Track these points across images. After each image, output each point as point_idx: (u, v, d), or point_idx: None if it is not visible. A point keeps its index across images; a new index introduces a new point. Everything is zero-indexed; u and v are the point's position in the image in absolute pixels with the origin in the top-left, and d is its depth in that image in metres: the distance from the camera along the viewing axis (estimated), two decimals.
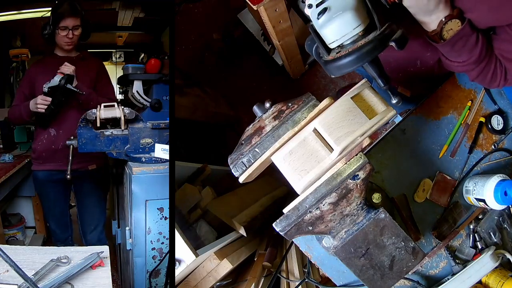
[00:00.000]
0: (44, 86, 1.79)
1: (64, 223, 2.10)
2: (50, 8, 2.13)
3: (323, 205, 0.84)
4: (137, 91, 2.60)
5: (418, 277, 1.18)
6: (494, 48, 0.98)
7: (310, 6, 0.83)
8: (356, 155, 0.84)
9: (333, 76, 0.84)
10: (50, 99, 1.78)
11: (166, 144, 1.61)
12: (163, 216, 1.53)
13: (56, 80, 1.76)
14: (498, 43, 0.97)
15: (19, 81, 3.13)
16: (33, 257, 1.00)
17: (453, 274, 1.14)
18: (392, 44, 0.77)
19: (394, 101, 0.85)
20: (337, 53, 0.82)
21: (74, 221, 2.15)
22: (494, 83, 1.03)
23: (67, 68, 1.81)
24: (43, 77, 1.89)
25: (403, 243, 0.89)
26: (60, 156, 1.86)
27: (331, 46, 0.83)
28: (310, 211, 0.84)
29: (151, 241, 1.53)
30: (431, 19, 0.90)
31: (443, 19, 0.89)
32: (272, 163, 0.88)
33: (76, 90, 1.76)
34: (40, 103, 1.80)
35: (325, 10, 0.80)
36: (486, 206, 1.14)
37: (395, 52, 1.20)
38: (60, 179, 1.92)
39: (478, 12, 0.89)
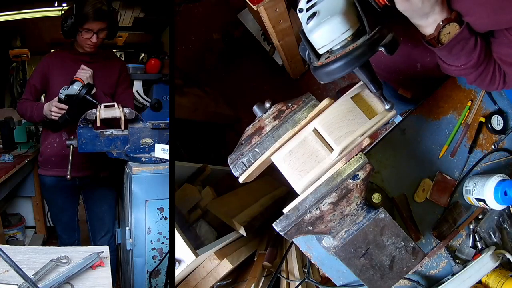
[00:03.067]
0: (60, 91, 1.67)
1: (71, 228, 2.02)
2: (52, 8, 2.09)
3: (323, 205, 0.84)
4: (137, 91, 2.60)
5: (418, 277, 1.18)
6: (492, 52, 0.97)
7: (300, 10, 0.82)
8: (356, 155, 0.84)
9: (322, 83, 0.82)
10: (66, 107, 1.67)
11: (166, 144, 1.61)
12: (163, 216, 1.53)
13: (75, 88, 1.65)
14: (496, 47, 0.96)
15: (19, 81, 3.13)
16: (33, 257, 1.00)
17: (453, 274, 1.14)
18: (382, 49, 0.75)
19: (387, 107, 0.83)
20: (326, 58, 0.80)
21: (82, 222, 2.13)
22: (493, 86, 1.02)
23: (84, 73, 1.70)
24: (58, 72, 1.78)
25: (403, 243, 0.89)
26: (71, 161, 1.68)
27: (320, 51, 0.81)
28: (310, 211, 0.84)
29: (151, 241, 1.53)
30: (428, 22, 0.88)
31: (441, 23, 0.87)
32: (272, 163, 0.88)
33: (95, 102, 1.62)
34: (55, 111, 1.68)
35: (314, 14, 0.78)
36: (486, 206, 1.14)
37: (395, 57, 1.20)
38: (69, 185, 1.85)
39: (475, 16, 0.88)
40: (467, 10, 0.88)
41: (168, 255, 1.50)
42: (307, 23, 0.79)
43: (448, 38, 0.90)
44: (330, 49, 0.79)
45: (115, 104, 1.64)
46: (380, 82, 0.82)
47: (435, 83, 1.27)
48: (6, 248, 0.89)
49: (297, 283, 1.30)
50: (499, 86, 1.02)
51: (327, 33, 0.77)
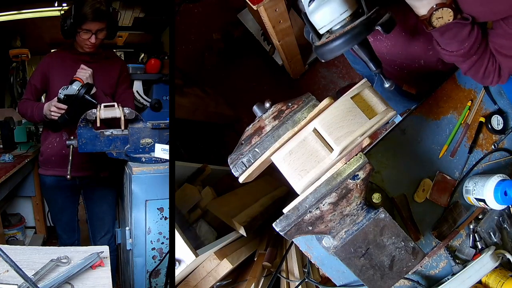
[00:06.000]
0: (60, 91, 1.67)
1: (71, 228, 2.02)
2: (52, 8, 2.08)
3: (323, 205, 0.84)
4: (137, 91, 2.60)
5: (418, 277, 1.18)
6: (489, 42, 0.97)
7: None
8: (356, 155, 0.84)
9: (323, 61, 0.89)
10: (65, 107, 1.67)
11: (166, 144, 1.61)
12: (163, 216, 1.53)
13: (74, 88, 1.64)
14: (493, 37, 0.96)
15: (19, 81, 3.13)
16: (33, 257, 1.00)
17: (453, 274, 1.14)
18: (378, 28, 0.80)
19: (386, 85, 0.87)
20: (326, 38, 0.85)
21: (82, 222, 2.13)
22: (487, 80, 1.02)
23: (84, 72, 1.70)
24: (58, 72, 1.77)
25: (403, 243, 0.89)
26: (71, 161, 1.66)
27: (321, 31, 0.86)
28: (310, 211, 0.84)
29: (151, 241, 1.53)
30: (422, 4, 0.90)
31: (435, 6, 0.88)
32: (272, 163, 0.88)
33: (94, 102, 1.62)
34: (54, 110, 1.68)
35: None
36: (486, 206, 1.14)
37: (398, 52, 1.20)
38: (69, 185, 1.85)
39: (469, 4, 0.88)
40: None
41: (168, 255, 1.50)
42: (309, 6, 0.84)
43: (440, 23, 0.90)
44: (330, 29, 0.84)
45: (115, 104, 1.63)
46: (379, 61, 0.87)
47: (439, 78, 1.27)
48: (6, 248, 0.89)
49: (297, 283, 1.30)
50: (494, 79, 1.02)
51: (326, 14, 0.82)
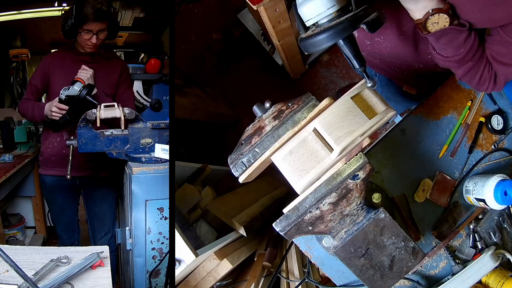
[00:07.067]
0: (61, 92, 1.67)
1: (71, 228, 2.02)
2: (52, 8, 2.07)
3: (323, 205, 0.84)
4: (137, 91, 2.60)
5: (418, 277, 1.18)
6: (486, 48, 0.97)
7: None
8: (356, 155, 0.84)
9: (307, 53, 0.88)
10: (66, 107, 1.68)
11: (166, 144, 1.61)
12: (163, 216, 1.53)
13: (76, 89, 1.65)
14: (490, 44, 0.96)
15: (19, 81, 3.13)
16: (33, 257, 1.00)
17: (453, 274, 1.14)
18: (363, 26, 0.80)
19: (369, 84, 0.86)
20: (312, 31, 0.85)
21: (82, 222, 2.13)
22: (483, 86, 1.01)
23: (85, 73, 1.70)
24: (59, 72, 1.77)
25: (403, 243, 0.89)
26: (71, 161, 1.66)
27: (307, 24, 0.87)
28: (310, 211, 0.84)
29: (151, 241, 1.53)
30: (417, 8, 0.89)
31: (431, 11, 0.88)
32: (272, 163, 0.88)
33: (95, 102, 1.62)
34: (55, 111, 1.68)
35: None
36: (486, 206, 1.14)
37: (398, 53, 1.20)
38: (69, 185, 1.85)
39: (467, 10, 0.88)
40: (459, 3, 0.88)
41: (168, 255, 1.50)
42: None
43: (435, 28, 0.90)
44: (317, 22, 0.85)
45: (115, 104, 1.63)
46: (364, 59, 0.86)
47: (439, 78, 1.26)
48: (6, 248, 0.89)
49: (297, 283, 1.30)
50: (489, 86, 1.01)
51: (314, 7, 0.83)
